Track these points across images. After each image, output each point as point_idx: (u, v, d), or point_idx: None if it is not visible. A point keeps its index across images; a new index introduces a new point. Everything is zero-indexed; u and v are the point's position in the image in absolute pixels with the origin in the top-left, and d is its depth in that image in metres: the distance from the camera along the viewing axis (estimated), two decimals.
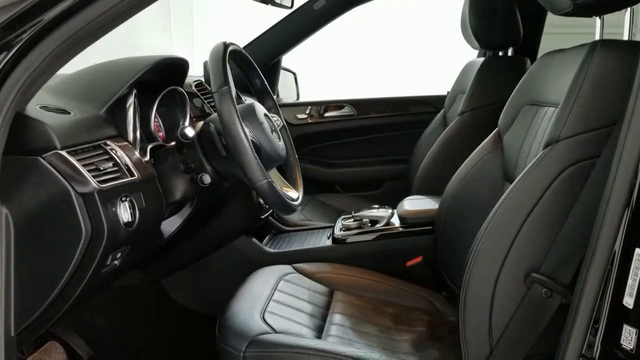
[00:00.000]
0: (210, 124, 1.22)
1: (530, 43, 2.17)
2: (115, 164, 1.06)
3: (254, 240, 1.61)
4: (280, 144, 1.28)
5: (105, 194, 1.00)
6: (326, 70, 4.80)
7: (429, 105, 2.51)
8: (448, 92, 2.40)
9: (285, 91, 2.76)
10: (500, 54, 2.03)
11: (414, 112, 2.52)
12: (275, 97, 2.54)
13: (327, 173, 2.50)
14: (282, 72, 2.70)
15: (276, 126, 1.33)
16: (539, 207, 0.96)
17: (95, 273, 1.03)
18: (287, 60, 2.63)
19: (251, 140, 1.16)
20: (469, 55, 2.38)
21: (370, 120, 2.50)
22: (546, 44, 2.21)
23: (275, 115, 1.45)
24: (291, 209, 1.23)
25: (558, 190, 0.96)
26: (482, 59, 2.05)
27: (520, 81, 1.34)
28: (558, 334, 0.88)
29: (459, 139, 1.82)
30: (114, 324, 1.55)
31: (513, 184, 1.01)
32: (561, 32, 2.25)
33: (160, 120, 1.44)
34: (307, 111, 2.51)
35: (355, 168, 2.51)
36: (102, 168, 1.02)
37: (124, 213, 1.04)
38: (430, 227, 1.53)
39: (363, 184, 2.50)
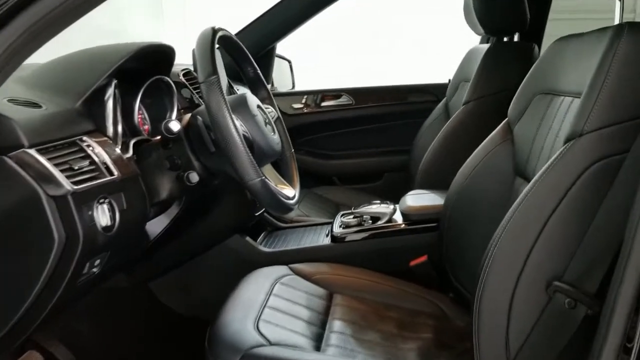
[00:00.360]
0: (198, 116, 1.12)
1: (536, 28, 2.06)
2: (92, 162, 0.96)
3: (248, 239, 1.52)
4: (275, 138, 1.19)
5: (80, 196, 0.90)
6: (323, 58, 4.69)
7: (429, 94, 2.41)
8: (449, 80, 2.31)
9: (280, 80, 2.66)
10: (505, 39, 1.93)
11: (414, 101, 2.42)
12: (269, 86, 2.45)
13: (324, 165, 2.40)
14: (276, 60, 2.59)
15: (270, 118, 1.23)
16: (561, 208, 0.87)
17: (72, 281, 0.94)
18: (281, 47, 2.52)
19: (242, 134, 1.07)
20: (470, 43, 2.28)
21: (369, 110, 2.40)
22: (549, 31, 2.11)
23: (270, 107, 1.35)
24: (287, 209, 1.13)
25: (582, 189, 0.86)
26: (486, 46, 1.95)
27: (532, 68, 1.24)
28: (583, 349, 0.80)
29: (463, 130, 1.72)
30: (99, 329, 1.46)
31: (532, 182, 0.91)
32: (562, 17, 2.15)
33: (145, 113, 1.34)
34: (303, 101, 2.41)
35: (353, 160, 2.41)
36: (76, 167, 0.91)
37: (102, 216, 0.94)
38: (435, 224, 1.44)
39: (361, 176, 2.41)
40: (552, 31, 1.95)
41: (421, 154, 1.99)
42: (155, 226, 1.28)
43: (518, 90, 1.27)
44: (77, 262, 0.90)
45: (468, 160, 1.33)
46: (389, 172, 2.39)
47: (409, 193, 1.62)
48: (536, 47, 1.75)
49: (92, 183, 0.93)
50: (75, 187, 0.89)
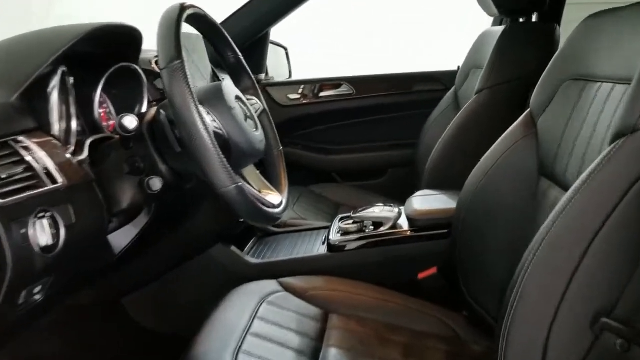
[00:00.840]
0: (161, 110, 0.94)
1: (554, 8, 1.86)
2: (28, 167, 0.78)
3: (233, 248, 1.34)
4: (257, 135, 1.00)
5: (10, 210, 0.72)
6: (322, 45, 4.49)
7: (437, 83, 2.22)
8: (459, 67, 2.12)
9: (276, 68, 2.48)
10: (521, 21, 1.74)
11: (421, 90, 2.23)
12: (263, 75, 2.27)
13: (323, 160, 2.22)
14: (271, 47, 2.41)
15: (253, 112, 1.05)
16: (611, 224, 0.69)
17: (7, 312, 0.77)
18: (277, 33, 2.34)
19: (215, 130, 0.89)
20: (478, 27, 2.09)
21: (371, 100, 2.21)
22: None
23: (254, 98, 1.17)
24: (271, 219, 0.95)
25: (638, 200, 0.68)
26: (500, 28, 1.75)
27: (559, 51, 1.07)
28: None
29: (476, 122, 1.54)
30: (67, 350, 1.29)
31: (572, 190, 0.73)
32: (579, 2, 1.95)
33: (110, 106, 1.16)
34: (300, 90, 2.22)
35: (354, 154, 2.23)
36: (4, 175, 0.74)
37: (41, 235, 0.76)
38: (447, 231, 1.26)
39: (364, 172, 2.23)
40: (568, 17, 1.75)
41: (429, 149, 1.82)
42: (122, 238, 1.10)
43: (542, 77, 1.09)
44: (7, 293, 0.73)
45: (484, 157, 1.15)
46: (394, 167, 2.21)
47: (416, 194, 1.43)
48: (558, 28, 1.56)
49: (26, 194, 0.75)
50: (4, 200, 0.71)
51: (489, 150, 1.14)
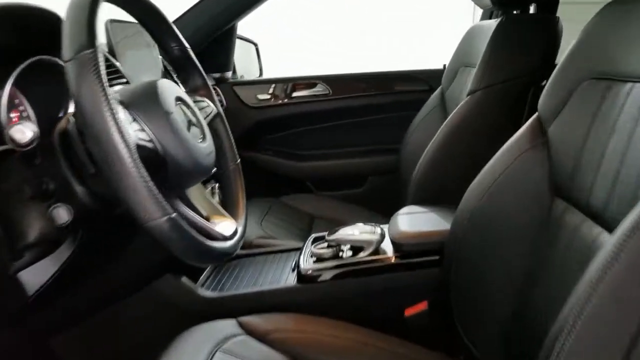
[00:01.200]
0: (71, 118, 0.73)
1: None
2: None
3: (184, 280, 1.12)
4: (204, 146, 0.79)
5: None
6: (295, 40, 4.28)
7: (421, 82, 2.03)
8: (445, 66, 1.93)
9: (245, 66, 2.26)
10: (515, 13, 1.55)
11: (404, 90, 2.03)
12: (230, 73, 2.05)
13: (296, 167, 2.01)
14: (240, 42, 2.20)
15: (201, 117, 0.84)
16: None
17: None
18: (246, 27, 2.13)
19: (141, 144, 0.67)
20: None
21: (349, 101, 2.01)
22: None
23: (205, 100, 0.96)
24: (217, 257, 0.74)
25: None
26: (491, 22, 1.57)
27: (573, 46, 0.89)
28: None
29: (469, 127, 1.34)
30: None
31: (618, 234, 0.53)
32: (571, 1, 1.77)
33: (29, 109, 0.93)
34: (271, 90, 2.01)
35: (331, 161, 2.02)
36: None
37: None
38: (438, 258, 1.06)
39: (341, 181, 2.02)
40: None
41: (413, 155, 1.63)
42: (38, 274, 0.88)
43: (553, 76, 0.90)
44: None
45: (484, 171, 0.96)
46: (374, 175, 2.01)
47: (401, 211, 1.23)
48: (561, 20, 1.38)
49: None
50: None
51: (489, 164, 0.97)
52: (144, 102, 0.73)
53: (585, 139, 0.80)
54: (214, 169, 0.84)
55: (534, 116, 0.93)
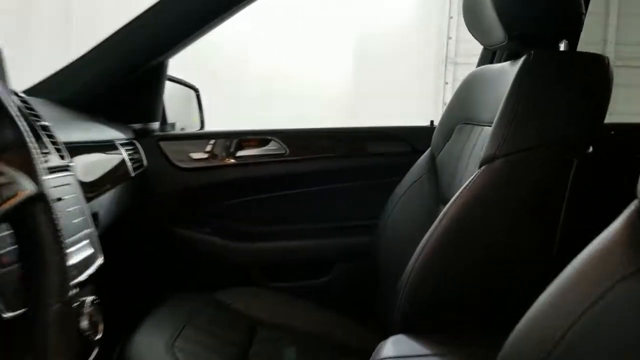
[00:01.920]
0: None
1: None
2: None
3: None
4: None
5: None
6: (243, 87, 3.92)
7: (402, 143, 1.60)
8: (433, 123, 1.53)
9: (184, 116, 1.81)
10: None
11: (380, 152, 1.60)
12: (158, 124, 1.59)
13: (240, 250, 1.52)
14: (176, 88, 1.76)
15: None
16: None
17: None
18: (185, 68, 1.70)
19: None
20: None
21: (311, 164, 1.56)
22: None
23: (11, 172, 0.48)
24: None
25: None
26: (501, 66, 1.16)
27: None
28: None
29: (488, 210, 0.90)
30: None
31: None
32: None
33: None
34: (209, 147, 1.55)
35: (286, 241, 1.55)
36: None
37: None
38: None
39: (299, 268, 1.54)
40: None
41: (396, 236, 1.25)
42: None
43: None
44: None
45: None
46: (343, 261, 1.54)
47: (385, 350, 0.75)
48: (609, 61, 0.97)
49: None
50: None
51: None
52: None
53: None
54: None
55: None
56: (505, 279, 0.87)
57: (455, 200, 0.90)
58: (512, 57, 1.18)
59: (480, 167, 0.90)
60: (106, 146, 1.27)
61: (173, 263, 1.51)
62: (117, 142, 1.33)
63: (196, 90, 1.86)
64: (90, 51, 1.36)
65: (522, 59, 0.99)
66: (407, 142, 1.59)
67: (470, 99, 1.22)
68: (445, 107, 1.31)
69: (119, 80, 1.39)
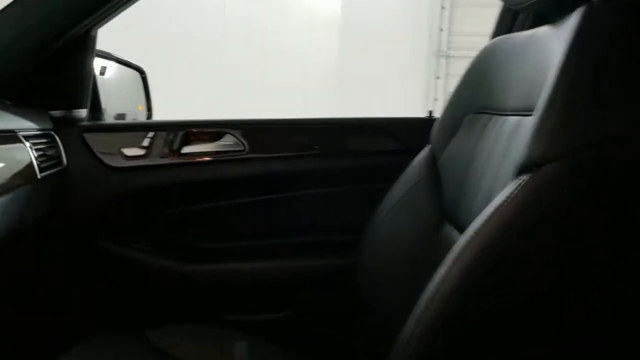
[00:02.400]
0: None
1: None
2: None
3: None
4: None
5: None
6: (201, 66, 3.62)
7: (390, 138, 1.29)
8: (432, 114, 1.23)
9: (123, 103, 1.49)
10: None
11: (363, 149, 1.29)
12: (85, 112, 1.26)
13: (183, 273, 1.20)
14: (113, 68, 1.44)
15: None
16: None
17: None
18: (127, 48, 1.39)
19: None
20: None
21: (275, 164, 1.25)
22: None
23: None
24: None
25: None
26: (535, 32, 0.84)
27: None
28: None
29: (531, 233, 0.58)
30: None
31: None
32: None
33: None
34: (146, 142, 1.22)
35: (243, 262, 1.23)
36: None
37: None
38: None
39: (257, 297, 1.22)
40: None
41: (387, 259, 0.97)
42: None
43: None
44: None
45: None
46: (312, 289, 1.22)
47: None
48: None
49: None
50: None
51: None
52: None
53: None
54: None
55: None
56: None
57: (481, 226, 0.58)
58: (539, 22, 0.87)
59: (517, 175, 0.58)
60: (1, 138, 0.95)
61: (94, 288, 1.19)
62: (19, 134, 1.00)
63: (142, 72, 1.54)
64: None
65: (579, 13, 0.67)
66: (397, 137, 1.28)
67: (486, 80, 0.90)
68: (449, 96, 1.00)
69: (32, 53, 1.08)
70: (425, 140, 1.05)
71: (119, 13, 1.12)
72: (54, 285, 1.16)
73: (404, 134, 1.26)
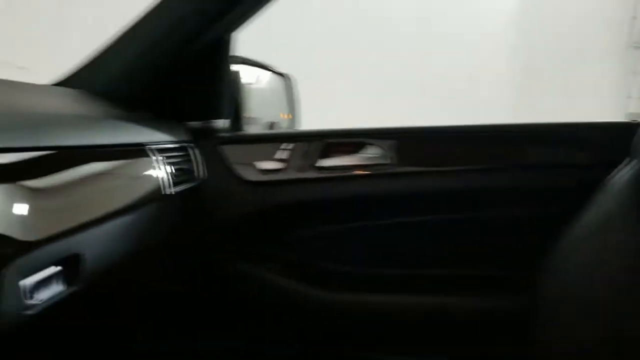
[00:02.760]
0: None
1: None
2: None
3: None
4: None
5: None
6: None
7: (580, 149, 1.01)
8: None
9: (273, 112, 1.41)
10: None
11: (544, 162, 1.03)
12: (224, 122, 1.19)
13: (321, 302, 1.06)
14: (261, 75, 1.36)
15: None
16: None
17: None
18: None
19: None
20: None
21: (428, 180, 1.05)
22: None
23: None
24: None
25: None
26: None
27: None
28: None
29: None
30: None
31: None
32: None
33: None
34: (286, 154, 1.10)
35: (388, 295, 1.05)
36: None
37: None
38: None
39: (404, 337, 1.03)
40: None
41: (569, 306, 0.69)
42: None
43: None
44: None
45: None
46: (471, 331, 0.99)
47: None
48: None
49: None
50: None
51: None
52: None
53: None
54: None
55: None
56: None
57: None
58: None
59: None
60: (124, 152, 0.88)
61: (219, 310, 1.10)
62: (148, 147, 0.94)
63: (287, 77, 1.44)
64: (128, 30, 1.00)
65: None
66: (590, 147, 1.00)
67: None
68: None
69: (162, 63, 1.02)
70: (626, 151, 0.77)
71: (254, 17, 1.02)
72: (180, 305, 1.09)
73: (599, 143, 0.98)
